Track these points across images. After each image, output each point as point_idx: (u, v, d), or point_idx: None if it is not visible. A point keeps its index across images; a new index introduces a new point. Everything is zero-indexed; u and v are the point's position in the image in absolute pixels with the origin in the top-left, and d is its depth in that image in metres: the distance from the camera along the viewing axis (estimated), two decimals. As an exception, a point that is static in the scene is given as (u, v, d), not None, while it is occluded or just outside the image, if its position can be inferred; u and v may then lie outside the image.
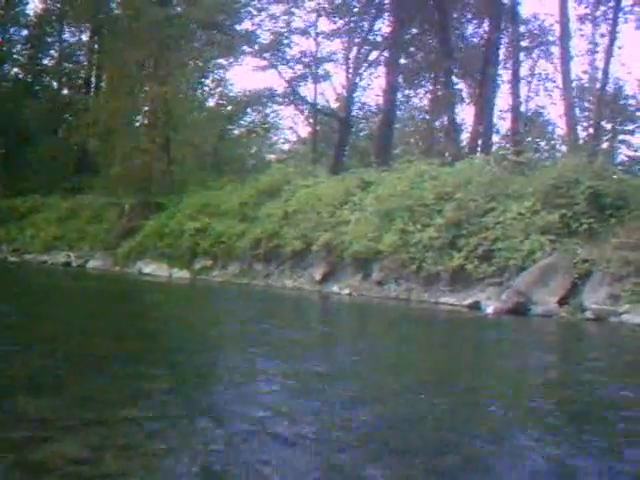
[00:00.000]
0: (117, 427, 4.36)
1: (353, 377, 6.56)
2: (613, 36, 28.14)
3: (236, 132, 39.30)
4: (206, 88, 38.57)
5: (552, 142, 35.35)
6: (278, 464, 3.80)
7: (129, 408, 4.85)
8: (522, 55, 32.62)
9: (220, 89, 38.79)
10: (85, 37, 41.18)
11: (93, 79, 40.00)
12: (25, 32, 42.01)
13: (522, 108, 32.85)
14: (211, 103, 38.47)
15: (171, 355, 7.18)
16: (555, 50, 31.11)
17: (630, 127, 32.30)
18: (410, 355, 8.32)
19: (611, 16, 29.05)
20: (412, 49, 34.43)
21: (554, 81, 34.22)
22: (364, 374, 6.75)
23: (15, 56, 42.08)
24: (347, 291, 17.04)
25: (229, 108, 38.62)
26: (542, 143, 35.08)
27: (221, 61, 37.79)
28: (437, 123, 36.46)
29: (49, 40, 41.73)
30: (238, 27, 34.77)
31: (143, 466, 3.71)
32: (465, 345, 9.64)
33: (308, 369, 6.69)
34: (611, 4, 29.37)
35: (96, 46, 39.43)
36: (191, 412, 4.84)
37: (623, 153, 31.82)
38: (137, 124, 31.56)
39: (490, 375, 7.06)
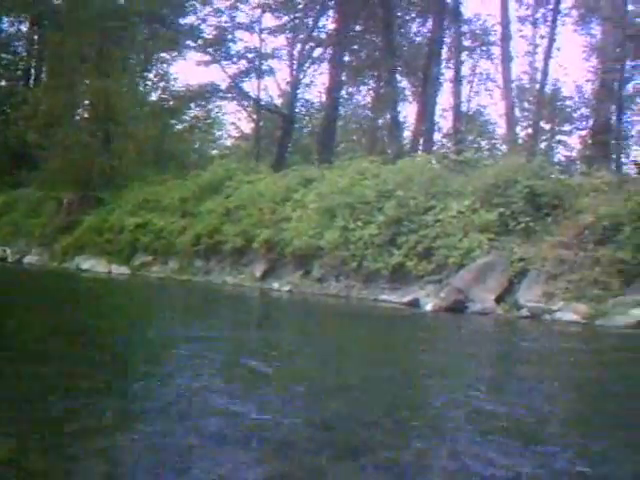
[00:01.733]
0: (41, 426, 4.26)
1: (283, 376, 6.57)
2: (552, 38, 28.60)
3: (179, 127, 38.85)
4: (149, 82, 38.02)
5: (492, 141, 35.81)
6: (211, 464, 3.77)
7: (53, 407, 4.77)
8: (464, 55, 32.99)
9: (163, 83, 38.31)
10: (25, 27, 40.36)
11: (32, 71, 39.25)
12: (-40, 21, 40.98)
13: (463, 107, 33.27)
14: (154, 97, 37.97)
15: (98, 353, 7.08)
16: (496, 50, 31.53)
17: (567, 128, 32.89)
18: (340, 351, 8.36)
19: (550, 18, 29.54)
20: (356, 47, 34.53)
21: (495, 81, 34.70)
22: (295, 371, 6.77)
23: (-51, 46, 41.01)
24: (287, 288, 17.04)
25: (172, 103, 38.15)
26: (483, 142, 35.50)
27: (164, 55, 37.38)
28: (380, 121, 36.62)
29: (-14, 30, 40.76)
30: (182, 21, 34.46)
31: (66, 468, 3.64)
32: (397, 342, 9.73)
33: (244, 367, 6.68)
34: (550, 6, 29.86)
35: (36, 37, 38.68)
36: (117, 411, 4.78)
37: (560, 153, 32.38)
38: (77, 117, 31.05)
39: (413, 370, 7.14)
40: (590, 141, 24.42)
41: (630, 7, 24.83)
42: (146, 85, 37.75)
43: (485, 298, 13.56)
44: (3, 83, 40.15)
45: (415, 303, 14.24)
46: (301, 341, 9.28)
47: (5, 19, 40.18)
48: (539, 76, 29.54)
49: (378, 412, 5.20)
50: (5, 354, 6.67)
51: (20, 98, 32.77)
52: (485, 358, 8.64)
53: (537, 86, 29.80)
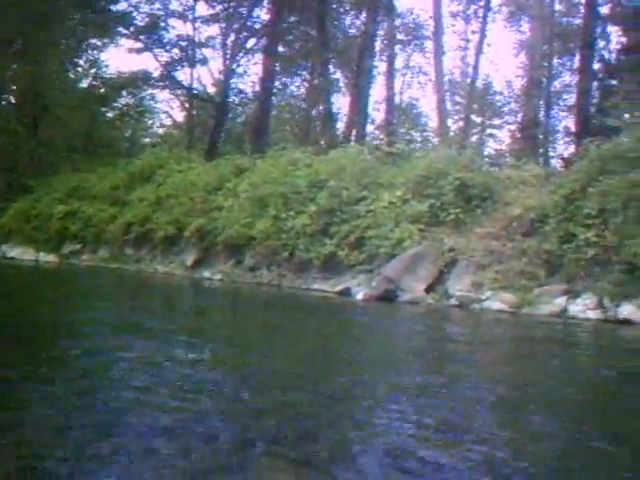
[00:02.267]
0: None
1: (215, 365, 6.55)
2: (483, 34, 29.13)
3: (110, 115, 38.30)
4: (79, 69, 37.37)
5: (424, 134, 36.25)
6: (137, 455, 3.70)
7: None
8: (397, 48, 33.28)
9: (94, 70, 37.67)
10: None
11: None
12: None
13: (396, 100, 33.54)
14: (84, 84, 37.31)
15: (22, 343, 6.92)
16: (429, 44, 31.94)
17: (497, 122, 33.50)
18: (264, 340, 8.37)
19: (481, 14, 30.02)
20: (290, 37, 34.53)
21: (427, 74, 35.09)
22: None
23: None
24: (219, 277, 16.98)
25: (103, 90, 37.58)
26: (415, 134, 35.91)
27: (95, 41, 36.73)
28: (313, 112, 36.73)
29: None
30: (113, 7, 33.94)
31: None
32: (325, 329, 9.79)
33: (167, 355, 6.64)
34: (481, 3, 30.36)
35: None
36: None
37: (490, 147, 32.99)
38: (4, 103, 30.34)
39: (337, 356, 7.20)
40: (519, 135, 24.88)
41: (557, 6, 25.41)
42: (76, 71, 37.09)
43: (415, 288, 13.71)
44: None
45: (346, 292, 14.32)
46: (222, 328, 9.28)
47: None
48: (470, 71, 30.01)
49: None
50: None
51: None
52: (409, 345, 8.75)
53: (468, 80, 30.28)
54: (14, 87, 29.92)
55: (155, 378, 5.57)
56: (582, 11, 25.31)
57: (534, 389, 6.09)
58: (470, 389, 5.84)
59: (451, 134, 27.18)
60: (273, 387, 5.51)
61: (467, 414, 4.95)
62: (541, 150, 25.17)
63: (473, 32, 31.43)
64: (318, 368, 6.53)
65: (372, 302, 13.32)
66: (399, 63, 34.77)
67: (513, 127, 30.50)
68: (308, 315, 11.65)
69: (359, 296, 13.93)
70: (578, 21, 27.13)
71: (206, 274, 17.36)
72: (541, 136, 25.15)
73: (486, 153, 29.67)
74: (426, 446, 4.08)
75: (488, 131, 33.41)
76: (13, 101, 30.28)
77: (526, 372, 6.98)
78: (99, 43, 36.95)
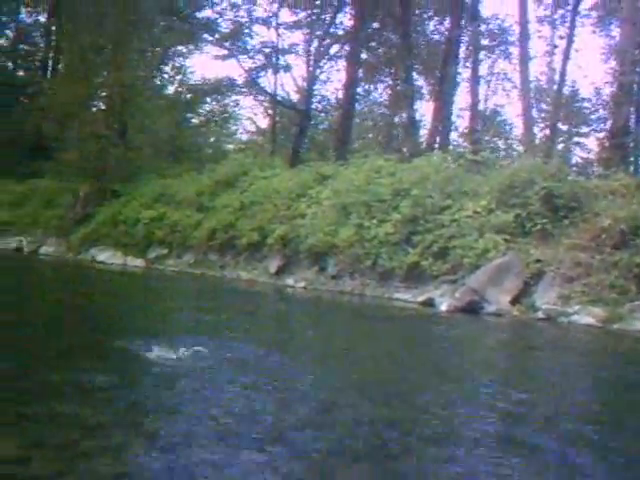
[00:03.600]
0: (53, 423, 4.21)
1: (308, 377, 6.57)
2: (570, 39, 28.55)
3: (195, 121, 38.96)
4: (165, 75, 38.14)
5: (509, 141, 35.69)
6: (222, 465, 3.71)
7: (67, 403, 4.72)
8: (482, 54, 32.88)
9: (180, 77, 38.40)
10: (42, 18, 40.47)
11: (50, 62, 39.33)
12: (-21, 12, 41.14)
13: (480, 107, 33.14)
14: (170, 90, 38.08)
15: (114, 348, 7.03)
16: (514, 50, 31.41)
17: (585, 130, 32.73)
18: (358, 352, 8.36)
19: (569, 19, 29.42)
20: (373, 44, 34.45)
21: (512, 81, 34.55)
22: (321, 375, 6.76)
23: (-32, 35, 41.20)
24: (302, 284, 17.04)
25: (188, 96, 38.29)
26: (499, 142, 35.41)
27: (181, 48, 37.42)
28: (396, 119, 36.56)
29: (4, 19, 40.87)
30: (199, 15, 34.52)
31: (78, 467, 3.58)
32: (415, 342, 9.70)
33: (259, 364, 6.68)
34: (569, 7, 29.74)
35: (54, 28, 38.77)
36: (132, 408, 4.75)
37: (577, 155, 32.26)
38: (94, 109, 31.10)
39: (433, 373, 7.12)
40: (608, 144, 24.24)
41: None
42: (163, 78, 37.85)
43: (500, 299, 13.52)
44: (21, 73, 40.30)
45: (430, 303, 14.22)
46: (317, 341, 9.27)
47: (24, 10, 40.40)
48: (557, 77, 29.43)
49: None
50: (27, 349, 6.68)
51: (37, 89, 32.88)
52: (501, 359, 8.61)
53: (555, 87, 29.68)
54: (103, 94, 30.61)
55: (254, 384, 5.61)
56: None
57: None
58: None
59: (537, 142, 26.66)
60: (367, 399, 5.48)
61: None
62: (631, 159, 24.52)
63: (560, 37, 30.81)
64: (412, 381, 6.46)
65: (456, 313, 13.18)
66: (483, 69, 34.36)
67: (601, 135, 29.71)
68: (394, 325, 11.62)
69: (443, 307, 13.80)
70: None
71: (289, 281, 17.44)
72: (631, 144, 24.46)
73: (573, 162, 29.06)
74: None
75: (575, 139, 32.66)
76: (102, 107, 30.97)
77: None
78: (184, 50, 37.67)
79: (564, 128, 32.19)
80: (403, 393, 5.87)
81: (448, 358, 8.12)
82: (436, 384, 6.44)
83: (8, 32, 41.08)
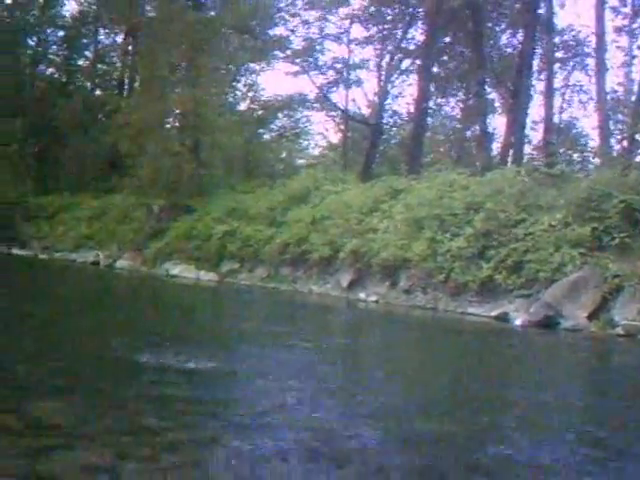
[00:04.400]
0: (137, 436, 4.24)
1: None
2: (649, 49, 27.85)
3: (266, 136, 39.32)
4: (238, 92, 38.61)
5: (585, 154, 34.96)
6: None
7: (151, 416, 4.75)
8: (556, 66, 32.34)
9: (252, 93, 38.83)
10: (119, 39, 41.51)
11: (126, 80, 40.27)
12: (61, 33, 42.42)
13: (555, 119, 32.58)
14: (242, 107, 38.53)
15: (194, 361, 7.05)
16: (590, 62, 30.85)
17: (665, 141, 31.87)
18: (437, 369, 8.24)
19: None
20: (445, 58, 34.26)
21: (588, 92, 33.90)
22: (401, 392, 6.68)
23: (50, 56, 42.51)
24: (374, 298, 16.96)
25: (260, 112, 38.67)
26: (574, 155, 34.72)
27: (253, 65, 37.84)
28: (468, 132, 36.28)
29: (84, 41, 42.08)
30: (271, 32, 34.88)
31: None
32: (491, 357, 9.52)
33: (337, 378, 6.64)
34: (648, 16, 29.08)
35: (130, 48, 39.69)
36: (214, 423, 4.73)
37: (657, 167, 31.41)
38: (168, 126, 31.66)
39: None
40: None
41: None
42: (235, 95, 38.32)
43: (577, 315, 13.21)
44: (98, 92, 41.33)
45: (504, 317, 13.99)
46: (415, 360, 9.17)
47: (102, 31, 41.51)
48: (635, 88, 28.72)
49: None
50: (108, 360, 6.77)
51: (114, 107, 33.63)
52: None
53: (633, 98, 28.99)
54: (177, 111, 31.11)
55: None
56: None
57: None
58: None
59: (614, 154, 26.07)
60: (441, 414, 5.39)
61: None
62: None
63: (639, 47, 30.14)
64: (490, 399, 6.33)
65: (531, 328, 12.93)
66: (558, 81, 33.78)
67: (682, 146, 28.93)
68: (469, 340, 11.44)
69: (517, 322, 13.57)
70: None
71: (361, 295, 17.38)
72: None
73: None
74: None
75: (654, 150, 31.87)
76: (176, 124, 31.49)
77: None
78: (257, 67, 38.07)
79: (643, 140, 31.41)
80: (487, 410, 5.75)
81: (531, 375, 7.92)
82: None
83: (87, 53, 42.32)
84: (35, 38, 41.65)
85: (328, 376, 6.66)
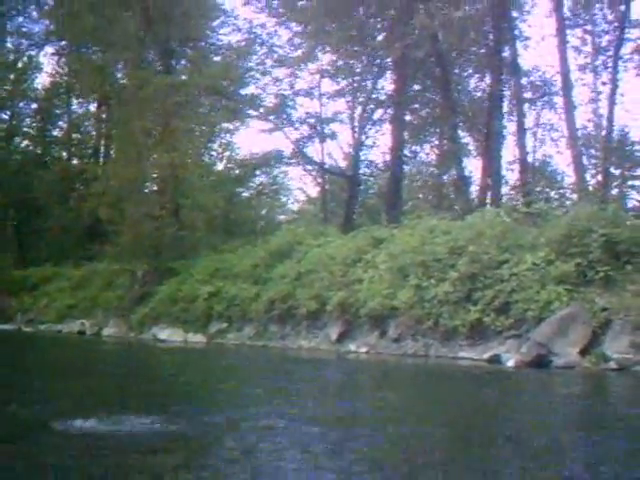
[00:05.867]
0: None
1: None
2: (614, 84, 28.31)
3: (245, 194, 39.50)
4: (213, 153, 38.86)
5: (561, 191, 35.26)
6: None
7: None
8: (526, 106, 32.78)
9: (228, 153, 39.10)
10: (93, 107, 41.88)
11: (102, 148, 40.51)
12: (34, 105, 42.78)
13: (529, 158, 32.92)
14: (219, 167, 38.73)
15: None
16: (558, 100, 31.27)
17: (639, 172, 32.28)
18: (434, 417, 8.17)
19: (611, 64, 29.26)
20: (416, 105, 34.65)
21: (559, 130, 34.32)
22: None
23: (25, 129, 42.84)
24: (364, 349, 16.90)
25: (237, 171, 38.88)
26: (551, 192, 35.01)
27: (227, 125, 38.13)
28: (445, 177, 36.57)
29: (58, 112, 42.43)
30: (242, 91, 35.19)
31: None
32: (491, 405, 9.43)
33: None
34: (610, 53, 29.61)
35: (104, 116, 40.00)
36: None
37: (634, 199, 31.77)
38: (146, 191, 31.71)
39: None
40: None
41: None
42: (211, 155, 38.58)
43: (569, 351, 13.23)
44: (75, 162, 41.52)
45: (496, 359, 13.98)
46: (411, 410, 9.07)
47: (74, 101, 41.88)
48: (605, 122, 29.15)
49: None
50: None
51: (91, 175, 33.72)
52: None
53: (603, 132, 29.40)
54: (155, 175, 31.19)
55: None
56: None
57: None
58: None
59: (590, 189, 26.35)
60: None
61: None
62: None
63: (604, 83, 30.63)
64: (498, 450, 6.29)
65: (524, 369, 12.92)
66: (529, 121, 34.20)
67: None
68: (464, 386, 11.35)
69: (510, 363, 13.56)
70: None
71: (351, 347, 17.30)
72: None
73: (630, 205, 28.64)
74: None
75: (630, 182, 32.24)
76: (155, 188, 31.55)
77: None
78: (231, 126, 38.35)
79: (617, 172, 31.80)
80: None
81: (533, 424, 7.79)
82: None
83: (61, 123, 42.62)
84: (8, 112, 41.95)
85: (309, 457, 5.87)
